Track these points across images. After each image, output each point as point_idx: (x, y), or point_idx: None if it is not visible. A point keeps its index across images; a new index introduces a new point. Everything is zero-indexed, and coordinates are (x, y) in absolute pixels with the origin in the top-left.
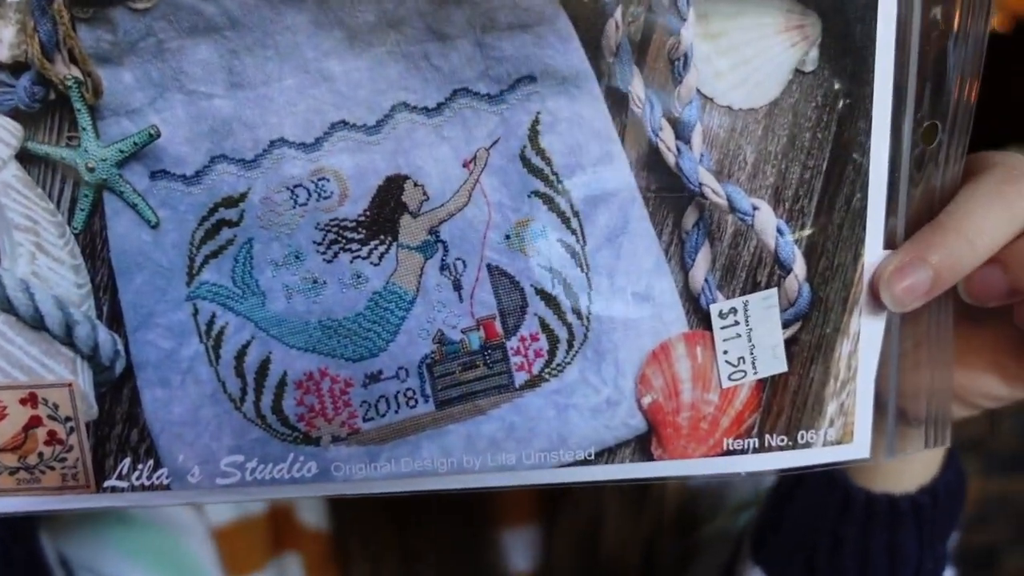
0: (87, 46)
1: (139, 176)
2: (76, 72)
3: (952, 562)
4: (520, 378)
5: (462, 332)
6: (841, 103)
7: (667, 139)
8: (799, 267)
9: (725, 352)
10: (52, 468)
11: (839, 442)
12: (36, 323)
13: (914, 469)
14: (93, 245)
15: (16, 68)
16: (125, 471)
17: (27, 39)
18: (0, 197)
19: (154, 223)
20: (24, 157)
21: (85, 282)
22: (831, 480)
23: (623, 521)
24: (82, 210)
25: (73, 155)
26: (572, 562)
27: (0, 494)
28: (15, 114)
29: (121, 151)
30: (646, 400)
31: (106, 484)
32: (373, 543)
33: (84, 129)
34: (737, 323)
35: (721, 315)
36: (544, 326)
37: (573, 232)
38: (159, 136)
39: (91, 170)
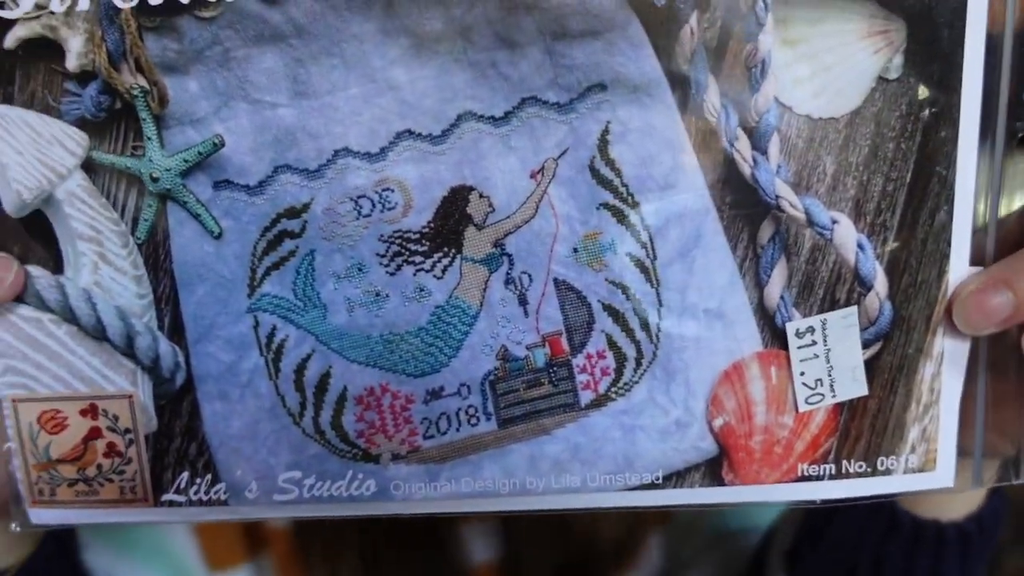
0: (153, 55)
1: (202, 186)
2: (142, 81)
3: None
4: (586, 397)
5: (527, 348)
6: (927, 112)
7: (743, 149)
8: (880, 284)
9: (802, 374)
10: (111, 480)
11: (921, 470)
12: (98, 333)
13: (962, 495)
14: (156, 256)
15: (83, 77)
16: (183, 485)
17: (95, 48)
18: (65, 207)
19: (217, 233)
20: (89, 167)
21: (147, 293)
22: (876, 502)
23: None
24: (146, 220)
25: (138, 165)
26: (542, 548)
27: (59, 506)
28: (81, 123)
29: (185, 161)
30: (717, 422)
31: (164, 498)
32: (335, 541)
33: (149, 139)
34: (815, 343)
35: (798, 334)
36: (611, 343)
37: (643, 246)
38: (223, 145)
39: (155, 180)
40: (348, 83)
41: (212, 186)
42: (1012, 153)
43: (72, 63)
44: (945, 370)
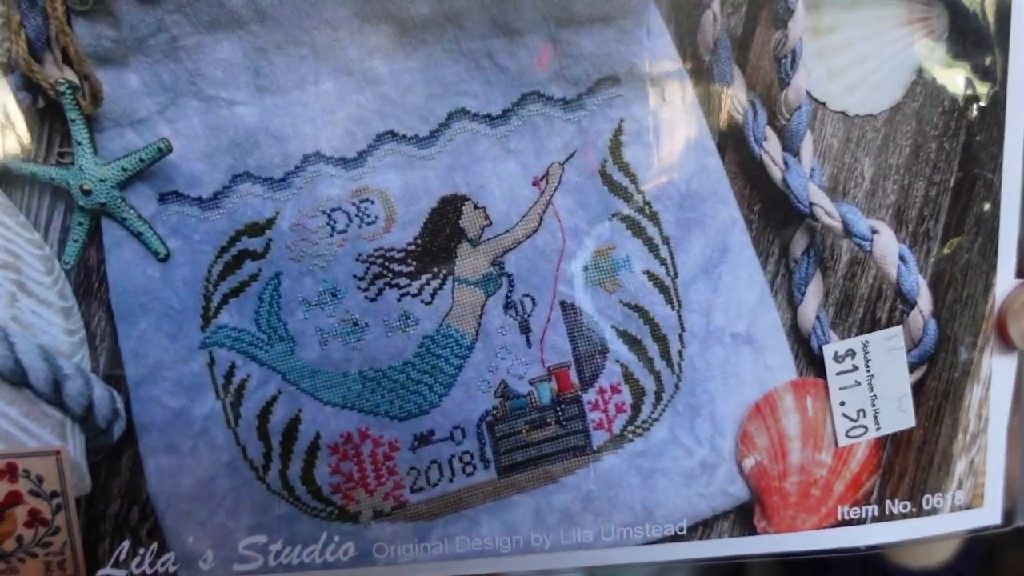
0: (85, 44)
1: (146, 199)
2: (70, 75)
3: None
4: (599, 438)
5: (530, 383)
6: (972, 108)
7: (772, 151)
8: (924, 300)
9: (842, 403)
10: (33, 555)
11: (968, 507)
12: (16, 378)
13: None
14: (88, 283)
15: None
16: (123, 557)
17: (11, 36)
18: None
19: (163, 255)
20: (4, 178)
21: (78, 328)
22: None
23: None
24: (75, 241)
25: (65, 175)
26: None
27: None
28: None
29: (124, 169)
30: (748, 463)
31: (100, 573)
32: None
33: (79, 143)
34: (856, 368)
35: (836, 358)
36: (627, 375)
37: (662, 262)
38: (170, 151)
39: (87, 193)
40: (319, 77)
41: (157, 199)
42: None
43: None
44: (993, 394)
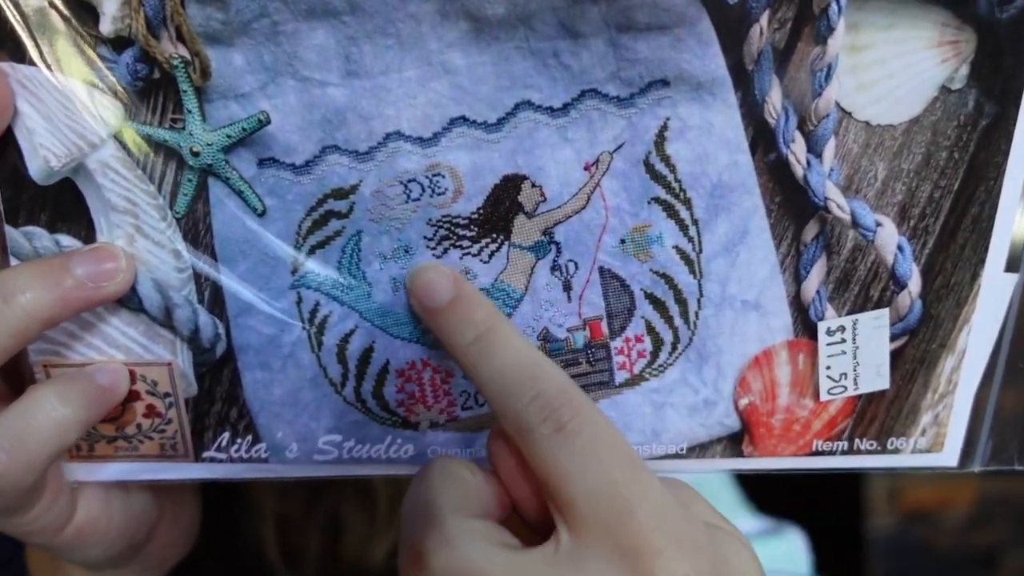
0: (196, 24)
1: (247, 163)
2: (183, 51)
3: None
4: (621, 376)
5: (567, 331)
6: (984, 123)
7: (798, 152)
8: (914, 284)
9: (828, 367)
10: (151, 438)
11: (928, 450)
12: (134, 305)
13: None
14: (196, 231)
15: (119, 43)
16: (224, 444)
17: (132, 13)
18: (97, 177)
19: (260, 211)
20: (125, 137)
21: (186, 267)
22: None
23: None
24: (185, 195)
25: (177, 138)
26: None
27: (100, 460)
28: (116, 92)
29: (228, 136)
30: (743, 402)
31: (205, 455)
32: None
33: (190, 112)
34: (844, 341)
35: (828, 332)
36: (650, 329)
37: (691, 240)
38: (269, 123)
39: (196, 154)
40: (403, 65)
41: (257, 163)
42: None
43: (107, 28)
44: (965, 364)
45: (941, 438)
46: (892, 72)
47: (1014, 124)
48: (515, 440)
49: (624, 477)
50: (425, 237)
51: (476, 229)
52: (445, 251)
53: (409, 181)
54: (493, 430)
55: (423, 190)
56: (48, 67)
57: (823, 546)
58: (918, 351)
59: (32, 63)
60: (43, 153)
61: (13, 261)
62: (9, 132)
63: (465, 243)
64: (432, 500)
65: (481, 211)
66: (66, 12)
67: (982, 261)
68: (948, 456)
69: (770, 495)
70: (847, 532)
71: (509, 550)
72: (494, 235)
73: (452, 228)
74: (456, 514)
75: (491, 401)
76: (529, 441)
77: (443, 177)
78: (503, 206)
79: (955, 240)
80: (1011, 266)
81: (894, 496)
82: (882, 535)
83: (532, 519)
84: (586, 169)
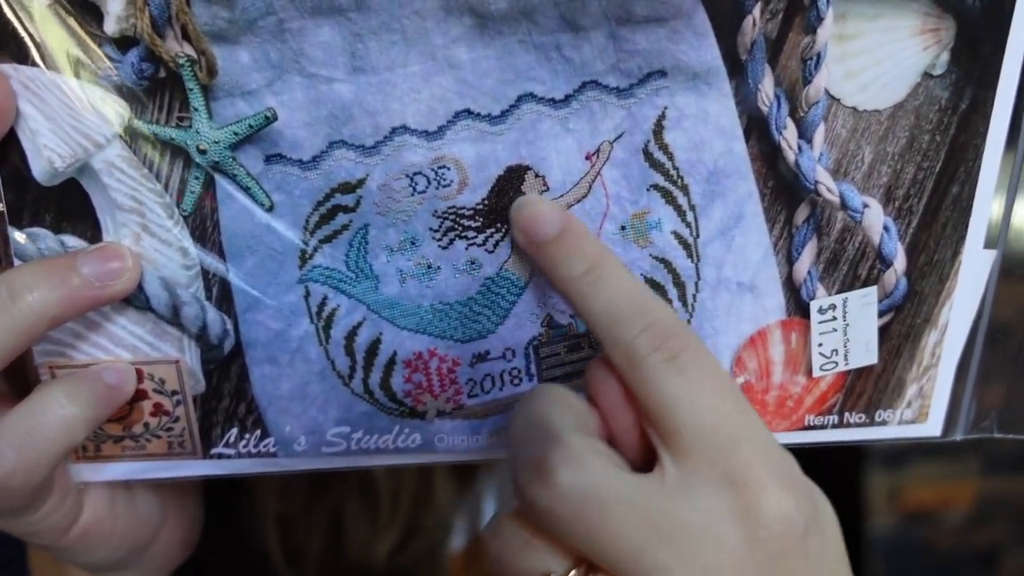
0: (202, 23)
1: (254, 159)
2: (189, 50)
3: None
4: None
5: (570, 317)
6: (963, 107)
7: (790, 137)
8: (900, 262)
9: (820, 344)
10: (158, 436)
11: (913, 421)
12: (142, 304)
13: None
14: (204, 227)
15: (124, 43)
16: (232, 439)
17: (136, 12)
18: (103, 176)
19: (268, 207)
20: (131, 136)
21: (194, 264)
22: None
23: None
24: (192, 193)
25: (184, 136)
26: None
27: (107, 460)
28: (121, 91)
29: (235, 134)
30: (739, 380)
31: (213, 451)
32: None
33: (196, 110)
34: (835, 319)
35: (820, 310)
36: None
37: (688, 225)
38: (276, 119)
39: (203, 152)
40: (408, 60)
41: (264, 160)
42: None
43: (111, 27)
44: (947, 338)
45: (925, 409)
46: (878, 60)
47: (991, 107)
48: (622, 370)
49: (732, 408)
50: (431, 228)
51: (481, 219)
52: (451, 242)
53: (415, 174)
54: (594, 361)
55: (429, 182)
56: (52, 68)
57: None
58: (903, 326)
59: (35, 64)
60: (47, 154)
61: (17, 263)
62: (12, 134)
63: (470, 233)
64: (550, 419)
65: (486, 202)
66: (70, 12)
67: (962, 239)
68: (932, 427)
69: None
70: (847, 531)
71: (628, 472)
72: (498, 225)
73: (457, 219)
74: (577, 433)
75: (599, 331)
76: (639, 370)
77: (448, 169)
78: (507, 196)
79: (937, 219)
80: (989, 243)
81: (894, 496)
82: (882, 535)
83: (627, 450)
84: (587, 159)
